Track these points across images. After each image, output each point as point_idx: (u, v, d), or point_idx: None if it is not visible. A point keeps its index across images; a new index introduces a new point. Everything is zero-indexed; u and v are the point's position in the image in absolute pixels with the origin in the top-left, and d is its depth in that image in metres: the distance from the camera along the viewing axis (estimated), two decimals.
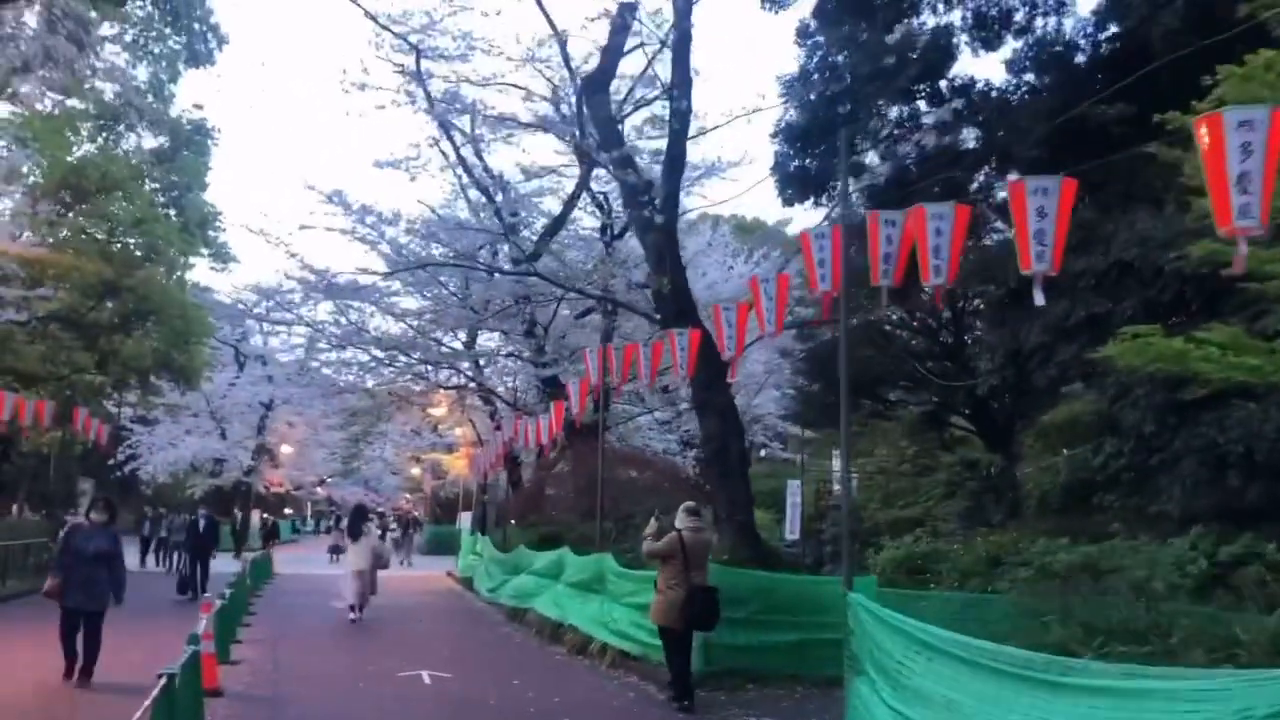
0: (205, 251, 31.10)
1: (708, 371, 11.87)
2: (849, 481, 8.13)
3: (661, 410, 29.37)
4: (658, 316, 13.16)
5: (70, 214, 26.73)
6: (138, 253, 28.09)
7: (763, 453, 37.75)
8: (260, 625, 15.45)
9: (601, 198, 23.08)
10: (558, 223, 23.05)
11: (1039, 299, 7.07)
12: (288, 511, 67.69)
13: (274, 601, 19.69)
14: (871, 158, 16.56)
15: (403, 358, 26.18)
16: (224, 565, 24.32)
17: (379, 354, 25.98)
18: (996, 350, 15.12)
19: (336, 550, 35.09)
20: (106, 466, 37.47)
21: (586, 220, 24.38)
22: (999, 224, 15.99)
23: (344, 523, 22.06)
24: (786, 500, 21.45)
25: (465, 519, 36.89)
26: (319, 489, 62.41)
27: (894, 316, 23.32)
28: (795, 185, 16.60)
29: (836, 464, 28.22)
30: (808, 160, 16.28)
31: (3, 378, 25.90)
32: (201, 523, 20.42)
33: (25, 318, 25.55)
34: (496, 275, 24.63)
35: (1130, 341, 9.57)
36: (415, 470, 55.88)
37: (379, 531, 20.89)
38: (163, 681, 5.43)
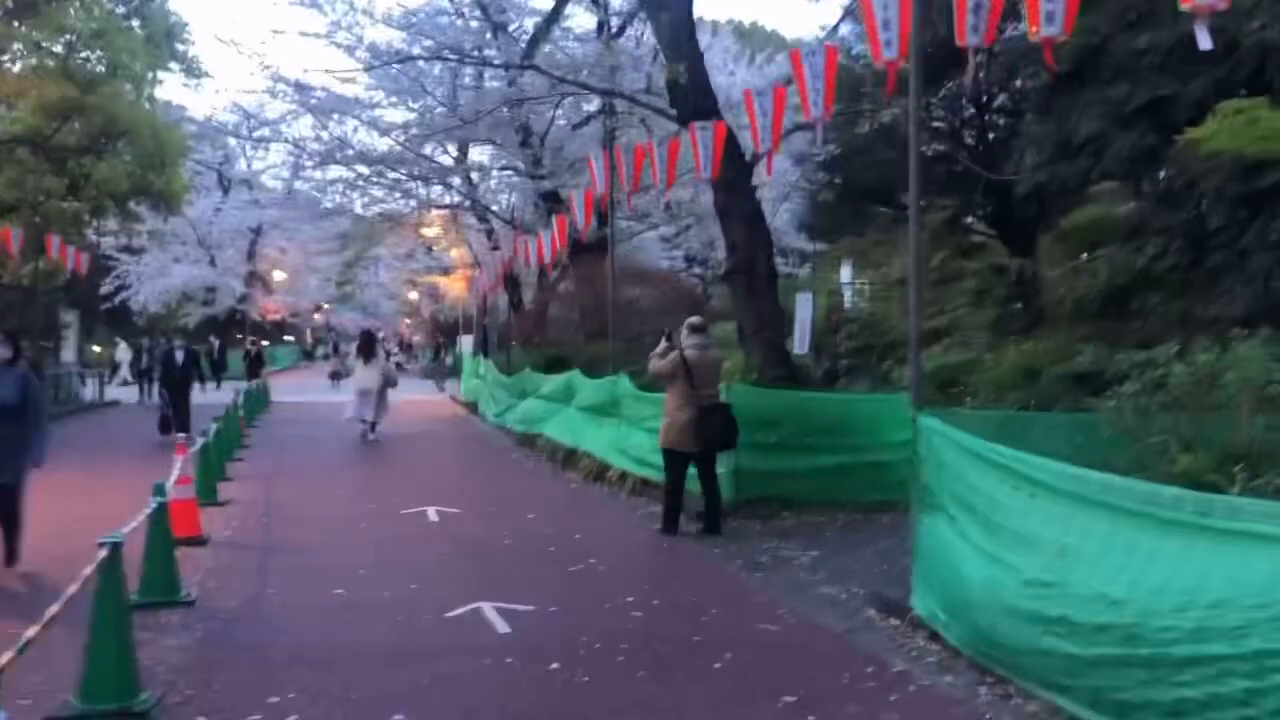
0: (174, 66, 28.99)
1: (732, 173, 10.52)
2: (918, 276, 6.94)
3: (667, 225, 28.00)
4: (672, 112, 11.68)
5: (19, 25, 24.63)
6: (100, 69, 26.11)
7: None
8: (254, 460, 14.60)
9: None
10: (551, 19, 21.12)
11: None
12: (288, 338, 66.99)
13: (269, 433, 18.86)
14: None
15: (390, 174, 24.62)
16: (219, 396, 23.50)
17: (364, 170, 24.41)
18: (1044, 142, 13.73)
19: (337, 376, 34.37)
20: (94, 297, 36.33)
21: (581, 17, 22.40)
22: None
23: (343, 348, 22.04)
24: (796, 314, 20.40)
25: (466, 342, 35.99)
26: (316, 315, 61.54)
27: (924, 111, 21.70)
28: None
29: (846, 275, 27.15)
30: None
31: None
32: (178, 355, 18.41)
33: None
34: (487, 77, 22.87)
35: (1229, 118, 8.22)
36: (413, 295, 54.82)
37: (387, 354, 20.64)
38: (103, 554, 4.38)
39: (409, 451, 16.69)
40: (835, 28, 16.91)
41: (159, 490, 6.61)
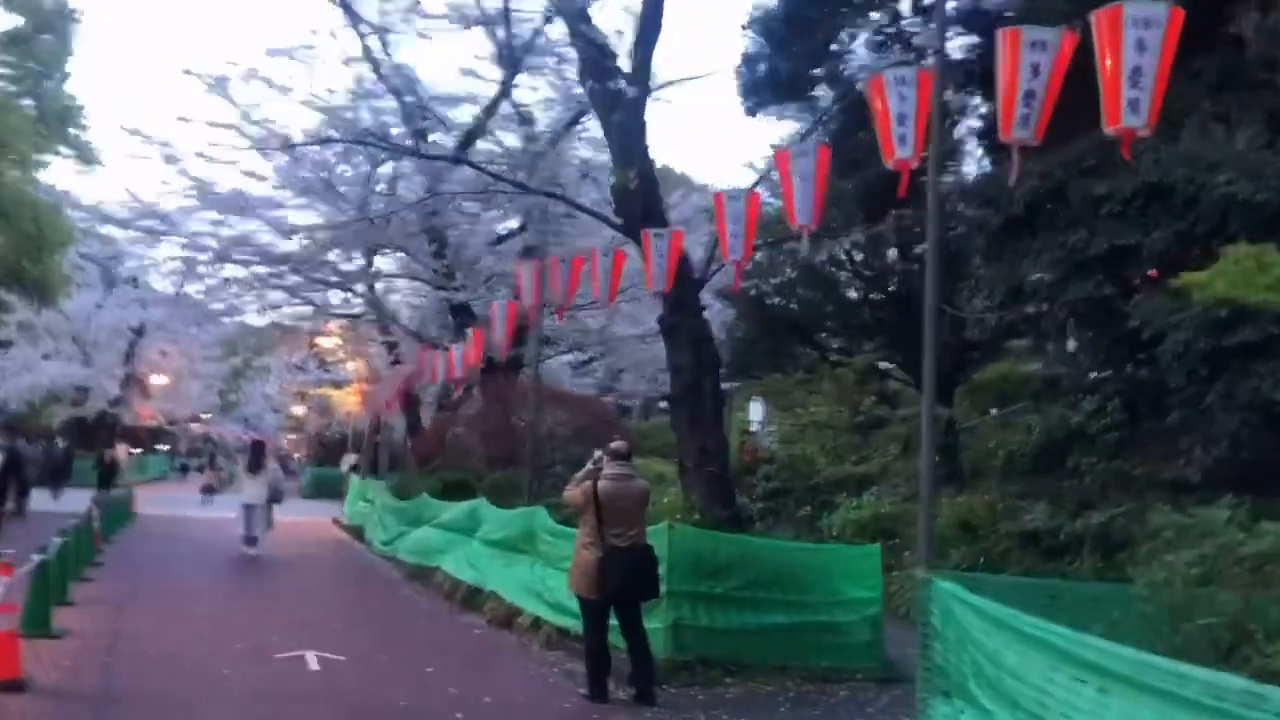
0: (65, 151, 27.32)
1: (681, 288, 9.55)
2: (931, 367, 5.93)
3: (575, 352, 27.00)
4: (618, 220, 10.74)
5: None
6: None
7: (662, 404, 35.75)
8: (106, 581, 12.70)
9: (526, 112, 20.42)
10: (476, 131, 20.37)
11: (1014, 175, 5.89)
12: (161, 446, 63.39)
13: (129, 549, 16.83)
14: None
15: (291, 277, 23.19)
16: (71, 505, 21.19)
17: (262, 271, 22.91)
18: (995, 286, 13.20)
19: (210, 490, 32.03)
20: None
21: (508, 139, 21.59)
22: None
23: (217, 460, 20.69)
24: None
25: (348, 460, 33.96)
26: (194, 425, 58.42)
27: (844, 253, 21.36)
28: (765, 90, 14.27)
29: (756, 413, 26.36)
30: (785, 58, 13.93)
31: None
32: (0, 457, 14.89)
33: None
34: (401, 187, 21.85)
35: (1236, 263, 7.58)
36: (299, 409, 52.41)
37: (276, 466, 19.69)
38: None
39: (287, 579, 14.92)
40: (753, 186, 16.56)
41: None
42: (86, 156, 27.30)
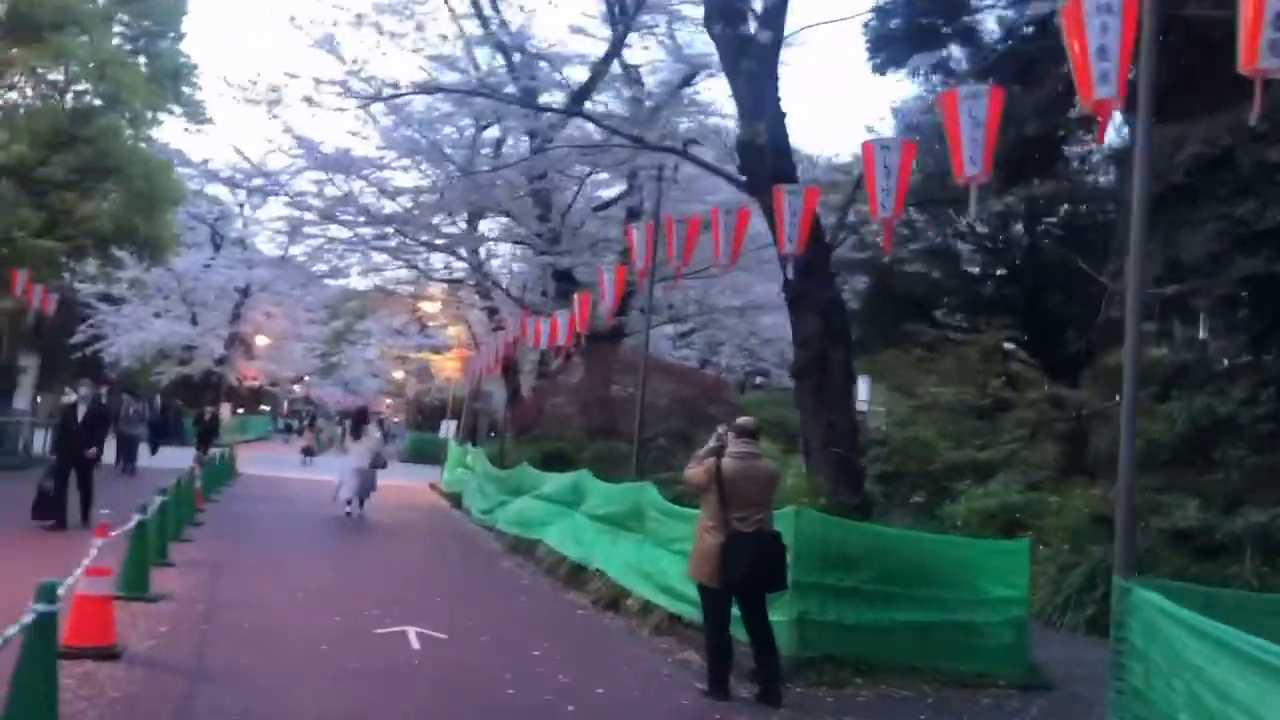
0: (177, 109, 27.45)
1: (813, 251, 8.79)
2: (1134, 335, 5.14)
3: (674, 324, 26.29)
4: (743, 178, 9.99)
5: (16, 50, 23.13)
6: (97, 101, 24.59)
7: (758, 380, 34.85)
8: (205, 542, 12.51)
9: (636, 73, 19.74)
10: (585, 90, 19.80)
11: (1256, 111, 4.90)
12: (264, 407, 64.68)
13: (229, 510, 16.74)
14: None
15: (395, 239, 22.98)
16: (171, 463, 21.38)
17: (367, 233, 22.72)
18: (1151, 261, 12.14)
19: (310, 452, 32.40)
20: (63, 344, 34.20)
21: (613, 105, 20.91)
22: None
23: (318, 422, 21.21)
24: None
25: (449, 427, 33.90)
26: (296, 386, 59.35)
27: (965, 226, 20.26)
28: (897, 43, 13.33)
29: (862, 392, 25.36)
30: (920, 10, 12.95)
31: None
32: (83, 408, 12.79)
33: None
34: (506, 149, 21.42)
35: None
36: (399, 373, 52.82)
37: (379, 433, 20.21)
38: None
39: (385, 547, 14.64)
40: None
41: (46, 593, 4.64)
42: (196, 115, 27.43)
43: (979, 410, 17.99)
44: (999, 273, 21.13)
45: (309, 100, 15.78)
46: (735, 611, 7.15)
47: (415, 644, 7.84)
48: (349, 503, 16.94)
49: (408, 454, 41.74)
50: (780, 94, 9.39)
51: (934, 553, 8.26)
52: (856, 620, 7.77)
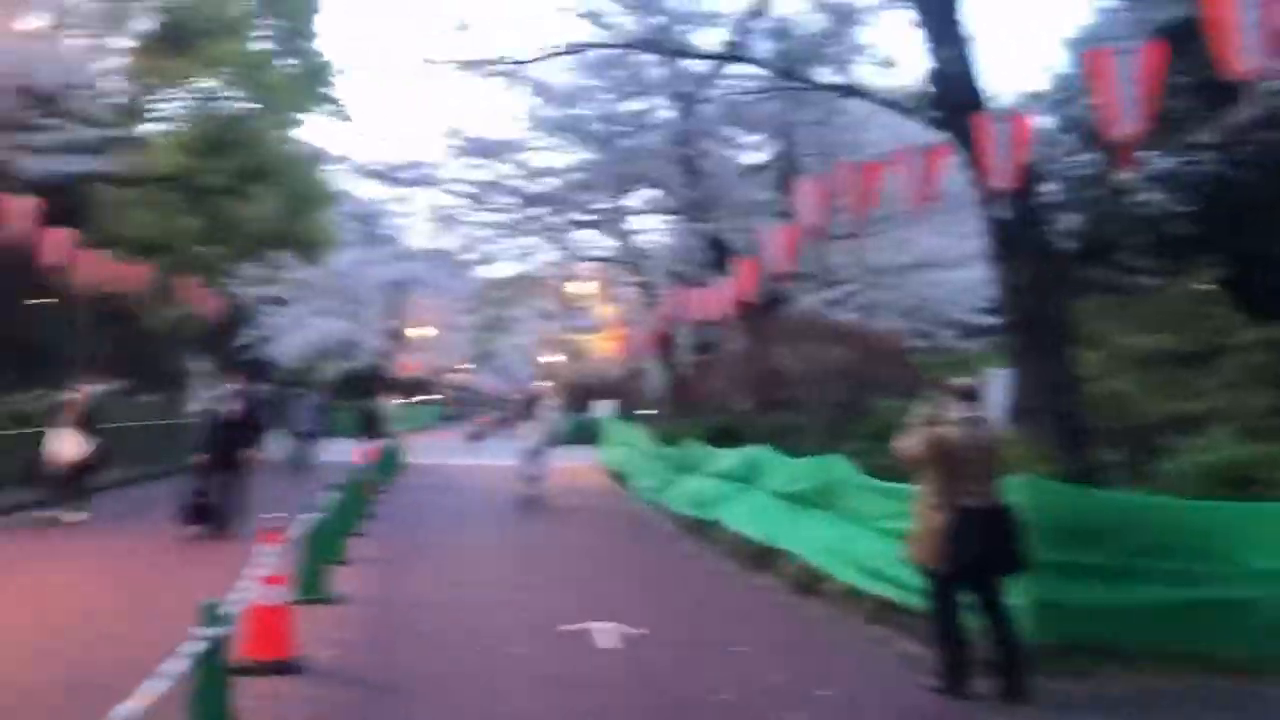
0: (319, 109, 27.71)
1: (1023, 190, 7.78)
2: None
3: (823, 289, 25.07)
4: (935, 113, 9.00)
5: (174, 60, 23.66)
6: (247, 105, 25.00)
7: (918, 344, 33.18)
8: (380, 536, 12.30)
9: (783, 26, 18.72)
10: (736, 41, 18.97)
11: None
12: (424, 397, 66.11)
13: (402, 501, 16.67)
14: None
15: (545, 219, 22.67)
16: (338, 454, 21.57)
17: (516, 216, 22.44)
18: None
19: (478, 437, 32.96)
20: (231, 347, 35.31)
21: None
22: None
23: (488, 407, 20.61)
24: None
25: (602, 406, 33.56)
26: (452, 375, 60.35)
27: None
28: None
29: None
30: None
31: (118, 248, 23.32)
32: (227, 408, 12.32)
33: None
34: (648, 121, 20.70)
35: None
36: (551, 357, 53.07)
37: (551, 414, 20.51)
38: None
39: (559, 532, 14.23)
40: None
41: (211, 615, 4.17)
42: (339, 113, 27.66)
43: (1181, 358, 16.40)
44: (1184, 209, 19.35)
45: (458, 65, 15.17)
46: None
47: (610, 642, 7.24)
48: (527, 480, 17.29)
49: (566, 435, 41.72)
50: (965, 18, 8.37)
51: (1188, 521, 7.17)
52: (1104, 600, 6.78)
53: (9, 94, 16.98)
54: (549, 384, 61.34)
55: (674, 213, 20.40)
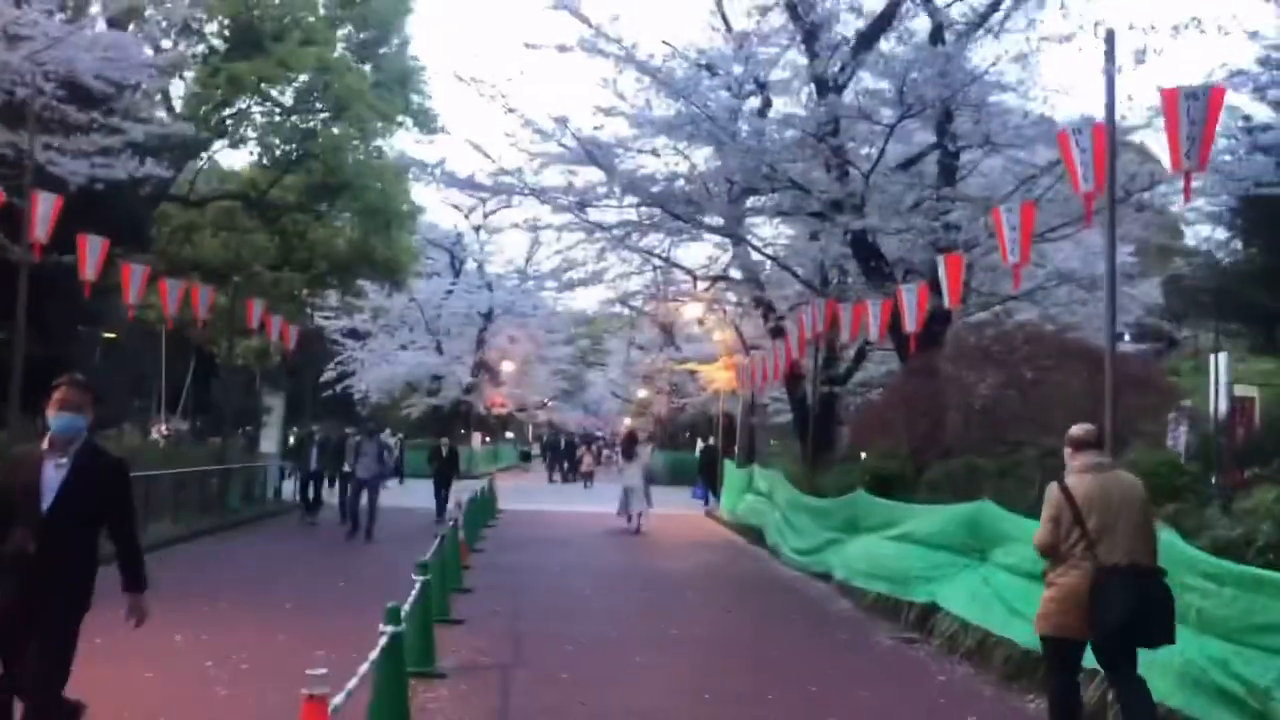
0: (405, 119, 25.18)
1: None
2: None
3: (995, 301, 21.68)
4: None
5: (244, 62, 21.43)
6: (324, 113, 22.68)
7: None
8: (479, 620, 9.37)
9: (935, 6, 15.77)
10: (879, 25, 16.09)
11: None
12: (508, 434, 63.74)
13: (499, 563, 13.76)
14: None
15: (651, 234, 19.88)
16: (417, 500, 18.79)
17: (619, 232, 19.58)
18: None
19: (588, 478, 32.06)
20: (311, 384, 33.09)
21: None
22: None
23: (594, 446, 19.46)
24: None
25: (708, 444, 30.37)
26: (539, 411, 57.62)
27: None
28: None
29: (1222, 368, 20.06)
30: None
31: (186, 273, 21.06)
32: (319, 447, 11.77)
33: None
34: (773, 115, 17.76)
35: None
36: (643, 392, 50.07)
37: (649, 450, 22.27)
38: None
39: (696, 609, 11.14)
40: None
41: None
42: (428, 124, 25.15)
43: None
44: None
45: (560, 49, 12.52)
46: None
47: None
48: (629, 518, 18.72)
49: (660, 476, 38.24)
50: None
51: None
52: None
53: (57, 91, 14.70)
54: (641, 420, 58.55)
55: (818, 214, 17.21)
